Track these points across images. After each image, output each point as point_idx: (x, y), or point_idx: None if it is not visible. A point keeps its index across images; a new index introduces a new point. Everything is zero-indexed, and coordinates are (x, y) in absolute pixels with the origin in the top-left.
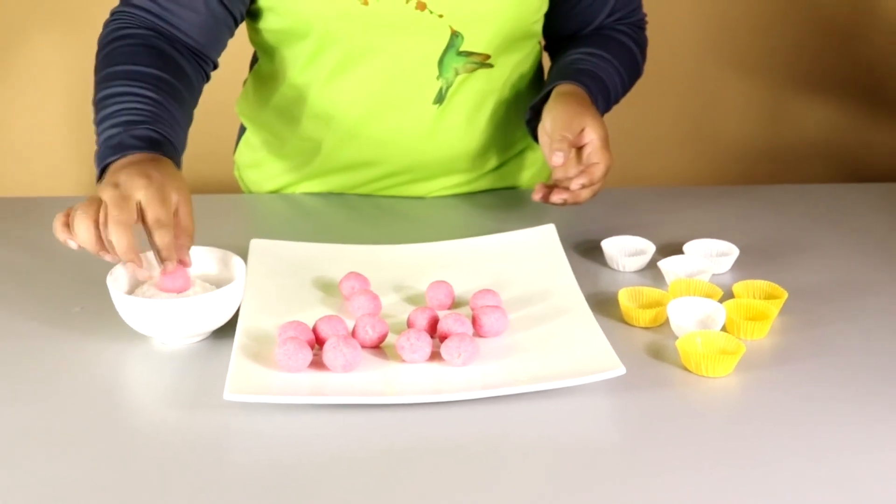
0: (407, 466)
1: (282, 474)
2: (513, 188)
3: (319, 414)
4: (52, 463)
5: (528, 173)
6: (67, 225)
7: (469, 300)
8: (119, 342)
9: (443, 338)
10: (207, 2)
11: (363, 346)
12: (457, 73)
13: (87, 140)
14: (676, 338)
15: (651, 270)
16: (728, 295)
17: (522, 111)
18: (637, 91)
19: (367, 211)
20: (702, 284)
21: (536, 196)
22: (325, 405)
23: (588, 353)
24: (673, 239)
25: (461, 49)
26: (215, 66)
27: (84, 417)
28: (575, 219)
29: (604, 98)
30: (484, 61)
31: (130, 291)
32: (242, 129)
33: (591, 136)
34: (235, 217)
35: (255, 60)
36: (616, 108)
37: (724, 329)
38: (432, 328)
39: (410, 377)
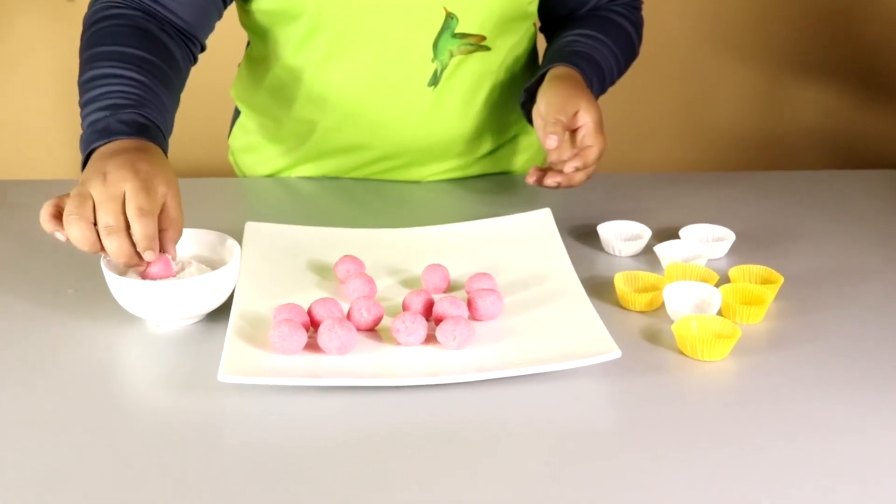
0: (402, 449)
1: (276, 456)
2: (507, 173)
3: (314, 396)
4: (46, 445)
5: (521, 158)
6: (55, 217)
7: (464, 283)
8: (113, 324)
9: (438, 321)
10: None
11: (358, 329)
12: (451, 56)
13: (74, 122)
14: (672, 322)
15: (647, 255)
16: (724, 279)
17: (517, 94)
18: (633, 78)
19: (363, 195)
20: (698, 269)
21: (530, 179)
22: (320, 387)
23: (584, 336)
24: (669, 224)
25: (456, 31)
26: (203, 48)
27: (78, 400)
28: (571, 203)
29: (599, 81)
30: (480, 43)
31: (124, 273)
32: (237, 114)
33: (585, 119)
34: (230, 201)
35: (250, 43)
36: (612, 95)
37: (719, 313)
38: (428, 311)
39: (406, 360)
